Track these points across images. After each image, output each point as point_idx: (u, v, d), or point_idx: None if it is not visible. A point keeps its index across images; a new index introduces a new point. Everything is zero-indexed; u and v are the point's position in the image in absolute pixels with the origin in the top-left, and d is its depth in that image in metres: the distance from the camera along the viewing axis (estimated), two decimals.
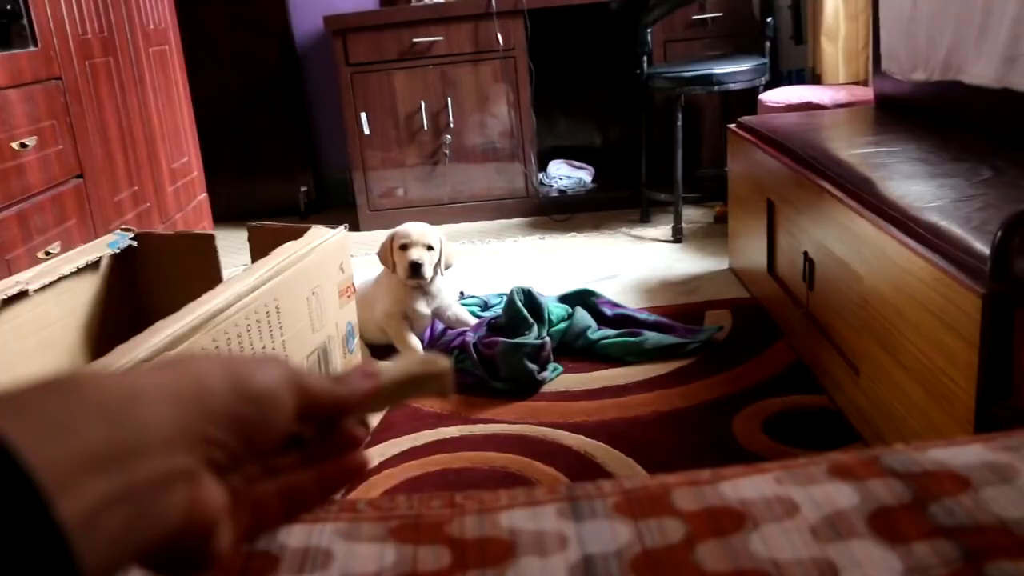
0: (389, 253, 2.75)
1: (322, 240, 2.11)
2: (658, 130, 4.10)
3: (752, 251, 2.97)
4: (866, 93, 3.36)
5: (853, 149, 2.39)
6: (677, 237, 3.74)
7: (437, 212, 4.29)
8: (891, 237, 1.82)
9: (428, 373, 0.66)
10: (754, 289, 3.01)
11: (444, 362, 0.68)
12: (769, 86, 3.74)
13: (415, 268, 2.66)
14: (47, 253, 2.45)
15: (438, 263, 2.74)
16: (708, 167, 4.18)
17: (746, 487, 0.77)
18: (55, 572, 0.32)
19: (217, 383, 0.44)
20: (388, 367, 0.64)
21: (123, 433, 0.39)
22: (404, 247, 2.70)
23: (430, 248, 2.70)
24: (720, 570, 0.66)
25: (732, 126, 3.13)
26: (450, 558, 0.73)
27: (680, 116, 3.64)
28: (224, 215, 4.11)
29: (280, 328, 1.94)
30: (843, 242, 2.11)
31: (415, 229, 2.74)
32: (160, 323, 1.66)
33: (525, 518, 0.77)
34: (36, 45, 2.57)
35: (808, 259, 2.37)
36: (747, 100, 3.76)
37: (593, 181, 4.52)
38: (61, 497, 0.33)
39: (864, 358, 2.02)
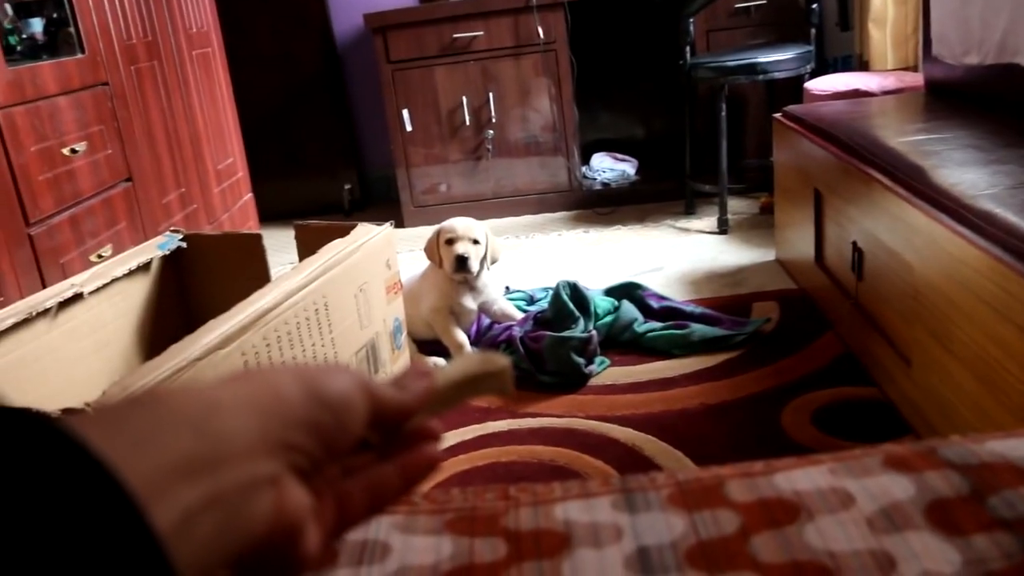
0: (435, 248, 2.74)
1: (369, 237, 2.13)
2: (702, 121, 4.07)
3: (799, 242, 2.95)
4: (915, 79, 3.31)
5: (903, 136, 2.36)
6: (722, 228, 3.72)
7: (480, 207, 4.30)
8: (943, 226, 1.80)
9: (488, 372, 0.66)
10: (801, 280, 2.99)
11: (503, 360, 0.68)
12: (815, 74, 3.70)
13: (461, 262, 2.66)
14: (99, 256, 2.48)
15: (484, 257, 2.73)
16: (753, 157, 4.15)
17: (800, 479, 0.76)
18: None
19: (293, 391, 0.45)
20: (447, 367, 0.65)
21: (207, 442, 0.40)
22: (450, 242, 2.69)
23: (476, 242, 2.69)
24: (775, 562, 0.66)
25: (778, 116, 3.10)
26: (506, 550, 0.73)
27: (724, 106, 3.62)
28: (269, 215, 4.15)
29: (329, 325, 1.95)
30: (894, 231, 2.08)
31: (461, 223, 2.73)
32: (212, 322, 1.68)
33: (579, 510, 0.77)
34: (83, 52, 2.61)
35: (857, 249, 2.35)
36: (792, 89, 3.72)
37: (636, 173, 4.50)
38: (154, 506, 0.34)
39: (916, 349, 2.00)
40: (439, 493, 0.84)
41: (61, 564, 0.30)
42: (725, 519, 0.72)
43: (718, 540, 0.69)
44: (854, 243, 2.36)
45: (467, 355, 0.68)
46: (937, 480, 0.74)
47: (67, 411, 1.38)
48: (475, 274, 2.72)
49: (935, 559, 0.65)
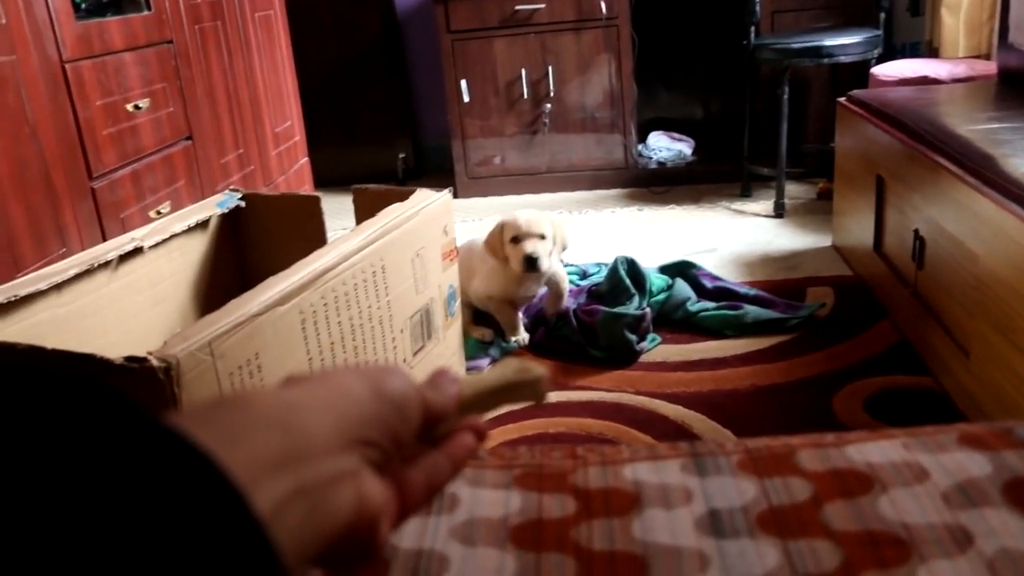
0: (498, 244, 2.54)
1: (427, 203, 2.13)
2: (762, 103, 4.03)
3: (858, 228, 2.91)
4: (988, 67, 3.24)
5: (973, 124, 2.31)
6: (779, 212, 3.68)
7: (534, 181, 4.29)
8: (1013, 215, 1.77)
9: (523, 380, 0.67)
10: (858, 267, 2.95)
11: (539, 370, 0.69)
12: (882, 59, 3.63)
13: (531, 262, 2.45)
14: (158, 212, 2.51)
15: (552, 250, 2.53)
16: (813, 142, 4.10)
17: (872, 451, 0.75)
18: (255, 562, 0.35)
19: (361, 391, 0.49)
20: (484, 374, 0.66)
21: (292, 439, 0.43)
22: (516, 239, 2.49)
23: (543, 237, 2.48)
24: (848, 530, 0.65)
25: (842, 100, 3.06)
26: (575, 506, 0.73)
27: (787, 89, 3.57)
28: (323, 181, 4.16)
29: (385, 288, 1.96)
30: (959, 220, 2.05)
31: (525, 218, 2.51)
32: (271, 279, 1.69)
33: (648, 471, 0.77)
34: (149, 9, 2.63)
35: (919, 237, 2.31)
36: (857, 74, 3.66)
37: (693, 154, 4.46)
38: (252, 494, 0.37)
39: (976, 339, 1.97)
40: (506, 450, 0.84)
41: (173, 549, 0.32)
42: (797, 487, 0.71)
43: (790, 507, 0.69)
44: (916, 231, 2.33)
45: (505, 362, 0.69)
46: (1014, 459, 0.73)
47: (130, 358, 1.39)
48: (544, 271, 2.50)
49: (1014, 536, 0.64)
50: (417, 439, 0.56)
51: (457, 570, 0.67)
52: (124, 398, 0.36)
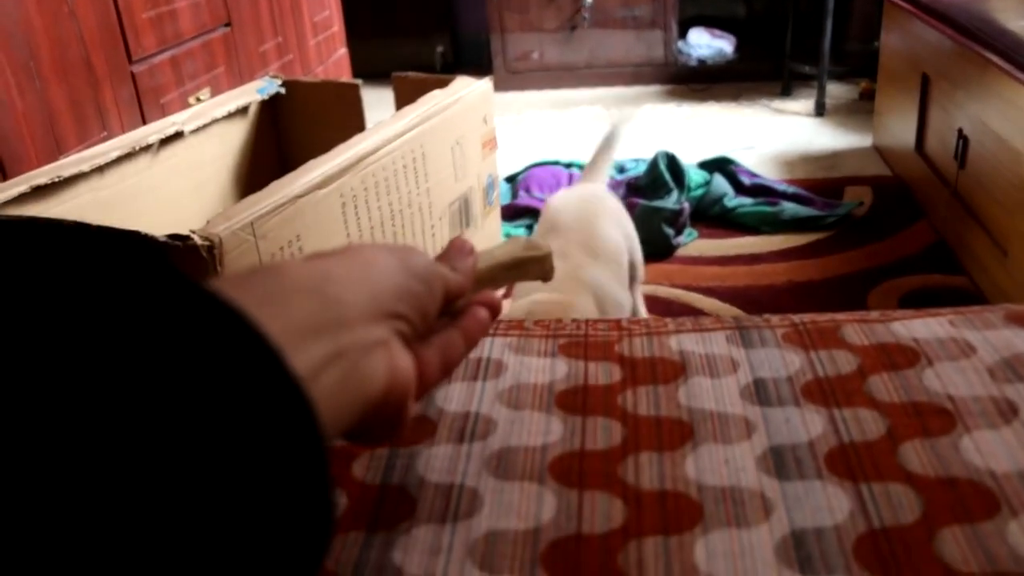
0: None
1: (467, 91, 2.11)
2: (806, 0, 3.94)
3: (899, 128, 2.86)
4: None
5: None
6: (819, 112, 3.63)
7: (573, 77, 4.24)
8: None
9: (531, 257, 0.68)
10: (898, 167, 2.91)
11: (547, 247, 0.70)
12: None
13: None
14: (197, 99, 2.51)
15: None
16: (856, 41, 4.01)
17: (918, 328, 0.76)
18: (298, 421, 0.35)
19: (390, 266, 0.50)
20: (493, 249, 0.67)
21: (327, 306, 0.44)
22: None
23: None
24: (894, 401, 0.66)
25: None
26: (620, 374, 0.75)
27: None
28: (360, 73, 4.11)
29: (425, 175, 1.96)
30: (1006, 118, 2.01)
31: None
32: (312, 162, 1.70)
33: (693, 342, 0.78)
34: None
35: (962, 136, 2.28)
36: None
37: (734, 51, 4.38)
38: (288, 355, 0.37)
39: (1015, 239, 1.96)
40: (550, 320, 0.85)
41: (213, 406, 0.32)
42: (842, 359, 0.72)
43: (835, 378, 0.70)
44: (960, 130, 2.29)
45: (513, 239, 0.70)
46: None
47: (173, 236, 1.41)
48: None
49: None
50: (444, 313, 0.57)
51: (503, 432, 0.68)
52: (167, 259, 0.36)
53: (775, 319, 0.80)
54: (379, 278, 0.49)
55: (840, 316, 0.79)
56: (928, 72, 2.58)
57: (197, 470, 0.31)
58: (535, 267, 0.69)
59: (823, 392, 0.68)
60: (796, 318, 0.80)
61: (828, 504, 0.56)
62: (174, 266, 0.35)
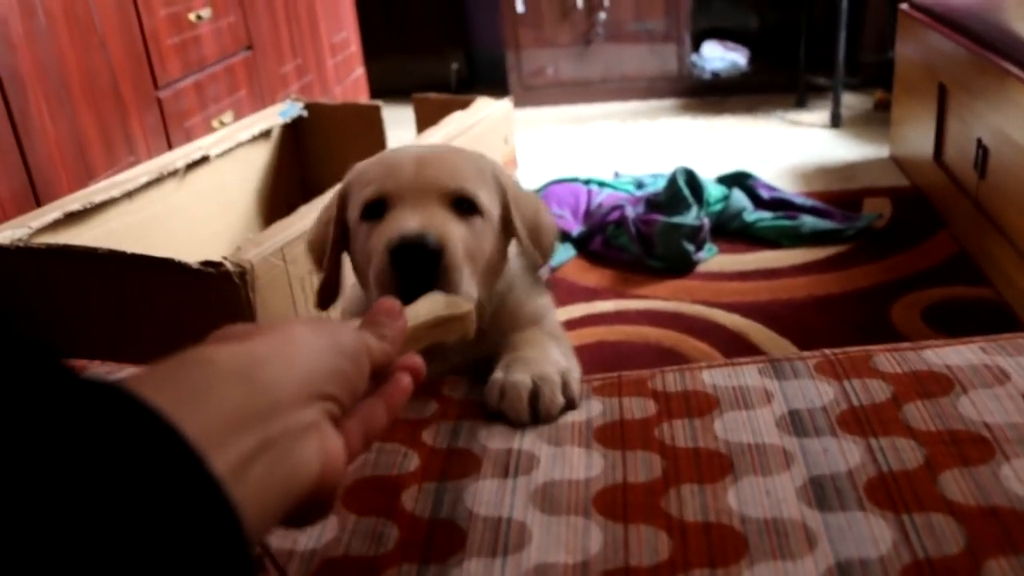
0: (328, 235, 1.10)
1: (489, 111, 2.14)
2: (820, 11, 3.95)
3: (917, 138, 2.87)
4: None
5: None
6: (835, 123, 3.63)
7: (588, 91, 4.27)
8: None
9: (453, 316, 0.70)
10: (916, 177, 2.92)
11: (467, 305, 0.72)
12: None
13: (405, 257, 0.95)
14: (220, 122, 2.54)
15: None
16: (870, 51, 4.02)
17: (950, 355, 0.77)
18: (216, 524, 0.36)
19: (320, 345, 0.51)
20: (415, 307, 0.69)
21: (256, 393, 0.44)
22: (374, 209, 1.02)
23: (467, 204, 0.93)
24: (930, 429, 0.67)
25: (904, 6, 2.99)
26: (655, 408, 0.76)
27: None
28: (376, 91, 4.16)
29: None
30: None
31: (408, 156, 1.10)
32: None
33: (726, 376, 0.79)
34: None
35: (982, 146, 2.28)
36: None
37: (747, 64, 4.40)
38: (212, 453, 0.37)
39: None
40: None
41: (130, 510, 0.32)
42: (876, 388, 0.74)
43: (870, 407, 0.71)
44: (979, 140, 2.30)
45: (432, 296, 0.71)
46: None
47: (206, 263, 1.44)
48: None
49: None
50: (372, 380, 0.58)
51: (546, 467, 0.70)
52: (69, 368, 0.35)
53: (806, 352, 0.82)
54: (308, 359, 0.49)
55: (871, 347, 0.80)
56: (945, 82, 2.59)
57: None
58: (457, 325, 0.71)
59: (859, 421, 0.70)
60: (827, 349, 0.81)
61: (871, 535, 0.58)
62: (76, 371, 0.35)
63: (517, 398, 0.78)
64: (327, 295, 0.99)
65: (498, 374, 0.82)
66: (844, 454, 0.66)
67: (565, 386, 0.80)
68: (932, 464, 0.63)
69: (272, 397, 0.45)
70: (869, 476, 0.63)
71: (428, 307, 0.69)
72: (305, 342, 0.50)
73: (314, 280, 1.61)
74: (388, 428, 0.59)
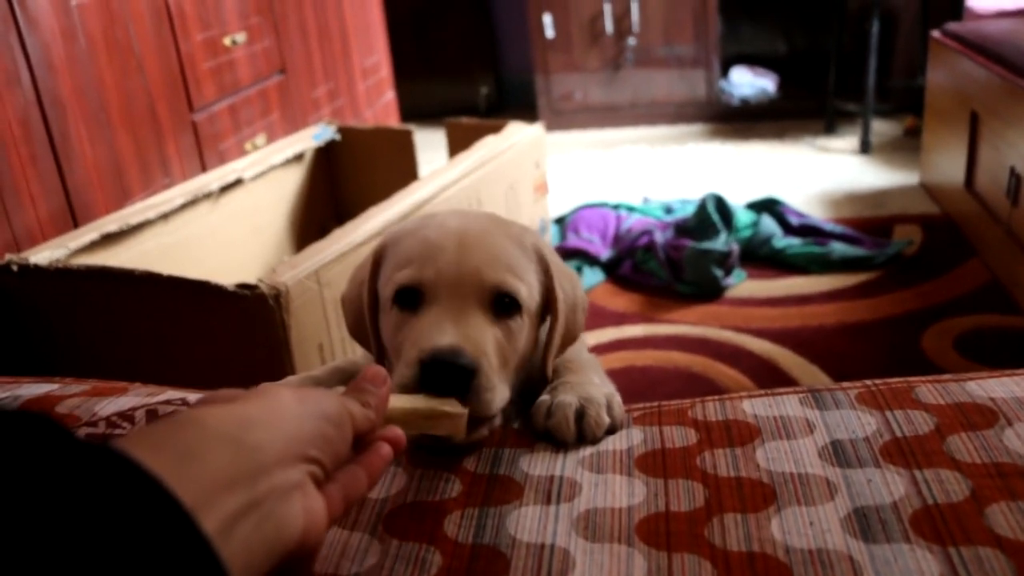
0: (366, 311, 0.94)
1: (520, 136, 2.15)
2: (849, 38, 3.95)
3: (948, 166, 2.86)
4: None
5: None
6: (864, 149, 3.63)
7: (617, 116, 4.28)
8: None
9: (447, 413, 0.73)
10: (947, 205, 2.91)
11: (464, 409, 0.74)
12: None
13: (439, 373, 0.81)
14: (253, 145, 2.57)
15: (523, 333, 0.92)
16: (899, 77, 4.01)
17: (994, 387, 0.77)
18: None
19: (305, 411, 0.54)
20: (412, 397, 0.72)
21: (244, 455, 0.47)
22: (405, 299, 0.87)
23: (504, 299, 0.85)
24: (975, 462, 0.67)
25: (936, 34, 2.99)
26: (696, 437, 0.76)
27: (876, 22, 3.50)
28: (406, 114, 4.19)
29: None
30: None
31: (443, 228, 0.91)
32: (372, 210, 1.74)
33: (766, 406, 0.79)
34: None
35: (1015, 175, 2.28)
36: (950, 7, 3.57)
37: (776, 89, 4.40)
38: (201, 513, 0.40)
39: None
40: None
41: (129, 566, 0.35)
42: (919, 419, 0.74)
43: (913, 438, 0.71)
44: (1012, 168, 2.29)
45: (433, 397, 0.74)
46: None
47: (241, 286, 1.45)
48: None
49: None
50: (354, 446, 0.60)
51: (588, 494, 0.70)
52: (67, 432, 0.38)
53: (846, 383, 0.82)
54: (293, 423, 0.52)
55: (912, 378, 0.80)
56: (977, 109, 2.58)
57: None
58: (448, 423, 0.73)
59: (902, 453, 0.69)
60: (868, 381, 0.81)
61: (918, 568, 0.58)
62: (78, 439, 0.38)
63: (564, 418, 0.79)
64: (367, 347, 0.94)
65: (545, 396, 0.83)
66: (888, 485, 0.66)
67: (609, 408, 0.81)
68: (979, 497, 0.63)
69: (259, 458, 0.48)
70: (914, 508, 0.63)
71: (427, 399, 0.73)
72: (290, 407, 0.53)
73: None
74: (366, 494, 0.63)
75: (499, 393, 0.79)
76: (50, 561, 0.33)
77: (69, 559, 0.33)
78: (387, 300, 0.85)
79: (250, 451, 0.47)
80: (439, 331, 0.78)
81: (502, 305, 0.83)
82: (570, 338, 0.92)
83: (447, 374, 0.75)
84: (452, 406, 0.73)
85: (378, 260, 0.90)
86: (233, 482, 0.45)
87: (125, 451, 0.39)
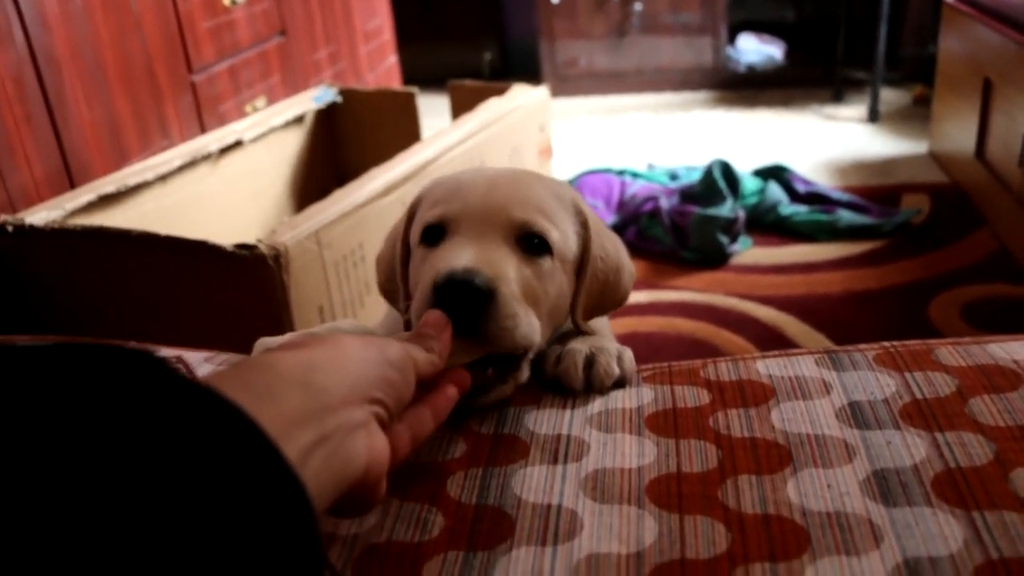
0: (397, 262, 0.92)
1: (525, 98, 2.11)
2: (858, 4, 3.89)
3: (959, 134, 2.83)
4: None
5: None
6: (873, 118, 3.58)
7: (622, 83, 4.23)
8: None
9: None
10: (956, 174, 2.87)
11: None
12: None
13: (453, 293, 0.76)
14: (253, 107, 2.53)
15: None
16: (909, 46, 3.96)
17: (1017, 349, 0.75)
18: (292, 504, 0.41)
19: (370, 356, 0.57)
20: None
21: (313, 395, 0.51)
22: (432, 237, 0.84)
23: (534, 239, 0.80)
24: (999, 425, 0.65)
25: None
26: (709, 398, 0.74)
27: None
28: (408, 79, 4.14)
29: None
30: None
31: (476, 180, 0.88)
32: (374, 171, 1.70)
33: (781, 366, 0.77)
34: None
35: None
36: None
37: (784, 57, 4.35)
38: (281, 446, 0.43)
39: None
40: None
41: (224, 490, 0.38)
42: (940, 381, 0.71)
43: (934, 400, 0.69)
44: None
45: None
46: None
47: (240, 246, 1.42)
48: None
49: None
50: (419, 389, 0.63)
51: (596, 454, 0.68)
52: (167, 367, 0.41)
53: (863, 344, 0.79)
54: (359, 367, 0.56)
55: (931, 340, 0.78)
56: (991, 76, 2.54)
57: (211, 553, 0.36)
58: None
59: (923, 415, 0.67)
60: (886, 342, 0.78)
61: (941, 532, 0.55)
62: (180, 375, 0.41)
63: (572, 363, 0.77)
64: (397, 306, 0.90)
65: (555, 345, 0.81)
66: (909, 448, 0.63)
67: (620, 359, 0.78)
68: (1003, 460, 0.61)
69: (326, 399, 0.52)
70: (936, 471, 0.61)
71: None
72: (355, 353, 0.57)
73: (348, 265, 1.59)
74: (433, 433, 0.64)
75: (523, 325, 0.73)
76: (157, 484, 0.36)
77: (174, 483, 0.36)
78: (415, 243, 0.82)
79: (317, 392, 0.51)
80: (456, 256, 0.74)
81: (531, 245, 0.78)
82: (614, 301, 0.88)
83: (461, 297, 0.70)
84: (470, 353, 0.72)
85: (412, 212, 0.87)
86: (305, 419, 0.49)
87: (217, 390, 0.42)
